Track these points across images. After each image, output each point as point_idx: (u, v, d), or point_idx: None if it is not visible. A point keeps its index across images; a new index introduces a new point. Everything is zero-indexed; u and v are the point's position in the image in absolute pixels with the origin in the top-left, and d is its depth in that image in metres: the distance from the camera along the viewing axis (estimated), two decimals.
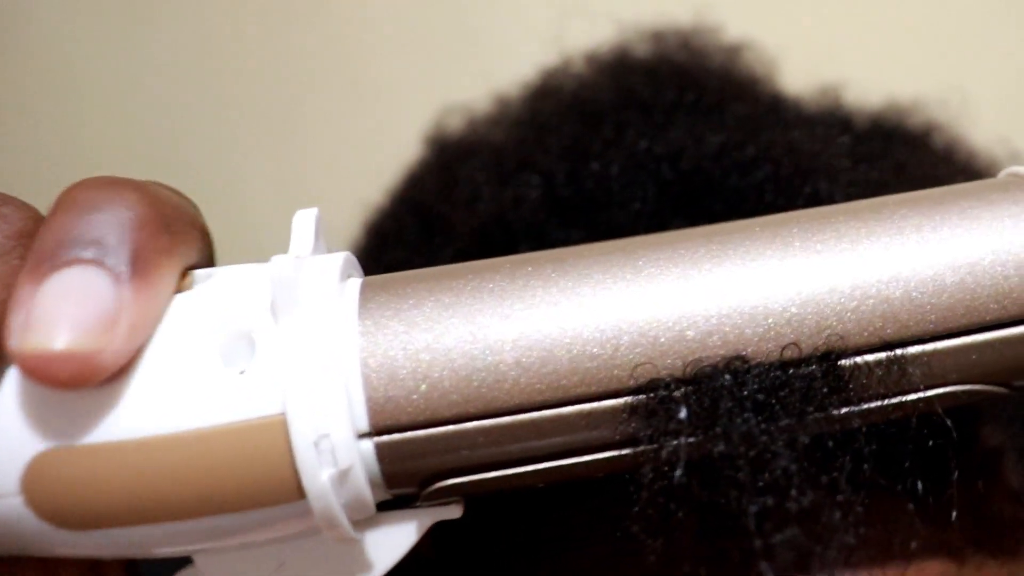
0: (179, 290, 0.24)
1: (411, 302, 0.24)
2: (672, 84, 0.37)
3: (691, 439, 0.23)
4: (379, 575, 0.25)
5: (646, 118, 0.35)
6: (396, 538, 0.25)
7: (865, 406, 0.24)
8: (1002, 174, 0.28)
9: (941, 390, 0.25)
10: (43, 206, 0.25)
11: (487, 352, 0.23)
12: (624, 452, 0.24)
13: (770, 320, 0.24)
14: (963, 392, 0.25)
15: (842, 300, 0.24)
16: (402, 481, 0.24)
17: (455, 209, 0.35)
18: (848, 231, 0.25)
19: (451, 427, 0.23)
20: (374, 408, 0.23)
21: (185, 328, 0.23)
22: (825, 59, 0.41)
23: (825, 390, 0.23)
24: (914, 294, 0.24)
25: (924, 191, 0.26)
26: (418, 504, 0.25)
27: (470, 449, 0.24)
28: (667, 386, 0.23)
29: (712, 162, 0.33)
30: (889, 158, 0.36)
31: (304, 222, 0.25)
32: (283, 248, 0.40)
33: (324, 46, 0.73)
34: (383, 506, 0.25)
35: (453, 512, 0.25)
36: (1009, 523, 0.32)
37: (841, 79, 0.41)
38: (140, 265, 0.23)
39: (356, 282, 0.25)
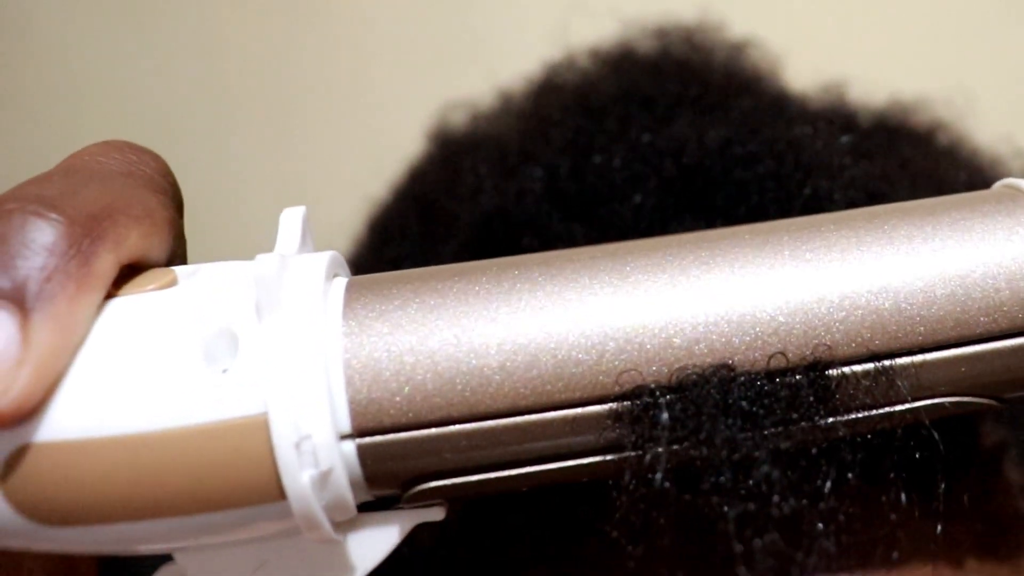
0: (162, 287, 0.24)
1: (396, 303, 0.24)
2: (675, 79, 0.37)
3: (674, 445, 0.23)
4: None
5: (649, 112, 0.35)
6: (378, 539, 0.25)
7: (852, 416, 0.24)
8: (997, 185, 0.28)
9: (929, 401, 0.25)
10: None
11: (471, 356, 0.23)
12: (608, 458, 0.24)
13: (758, 329, 0.24)
14: (952, 403, 0.25)
15: (831, 310, 0.24)
16: (384, 483, 0.24)
17: (458, 202, 0.35)
18: (839, 240, 0.25)
19: (434, 430, 0.23)
20: (356, 410, 0.23)
21: (168, 325, 0.23)
22: (830, 57, 0.42)
23: (811, 399, 0.24)
24: (903, 306, 0.24)
25: (917, 201, 0.26)
26: (400, 505, 0.25)
27: (453, 452, 0.24)
28: (652, 393, 0.23)
29: (714, 157, 0.33)
30: (893, 155, 0.36)
31: (291, 220, 0.25)
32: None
33: (328, 42, 0.73)
34: (365, 507, 0.25)
35: (436, 514, 0.25)
36: (1011, 519, 0.32)
37: (846, 77, 0.42)
38: (45, 298, 0.22)
39: (342, 282, 0.25)
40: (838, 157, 0.34)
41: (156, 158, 0.26)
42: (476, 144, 0.39)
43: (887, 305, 0.24)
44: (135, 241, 0.24)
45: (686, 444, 0.23)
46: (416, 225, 0.38)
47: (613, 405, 0.23)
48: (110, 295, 0.24)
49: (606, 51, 0.40)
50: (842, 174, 0.33)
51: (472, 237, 0.34)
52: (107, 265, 0.23)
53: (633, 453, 0.23)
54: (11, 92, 0.81)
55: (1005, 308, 0.24)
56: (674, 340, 0.24)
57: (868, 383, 0.24)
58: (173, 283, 0.24)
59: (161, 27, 0.77)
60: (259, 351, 0.23)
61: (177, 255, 0.26)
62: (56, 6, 0.78)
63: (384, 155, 0.43)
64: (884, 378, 0.24)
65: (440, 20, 0.71)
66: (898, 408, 0.24)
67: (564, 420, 0.24)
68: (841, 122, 0.38)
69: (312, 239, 0.26)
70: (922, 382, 0.24)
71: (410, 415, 0.23)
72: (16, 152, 0.80)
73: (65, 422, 0.23)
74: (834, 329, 0.24)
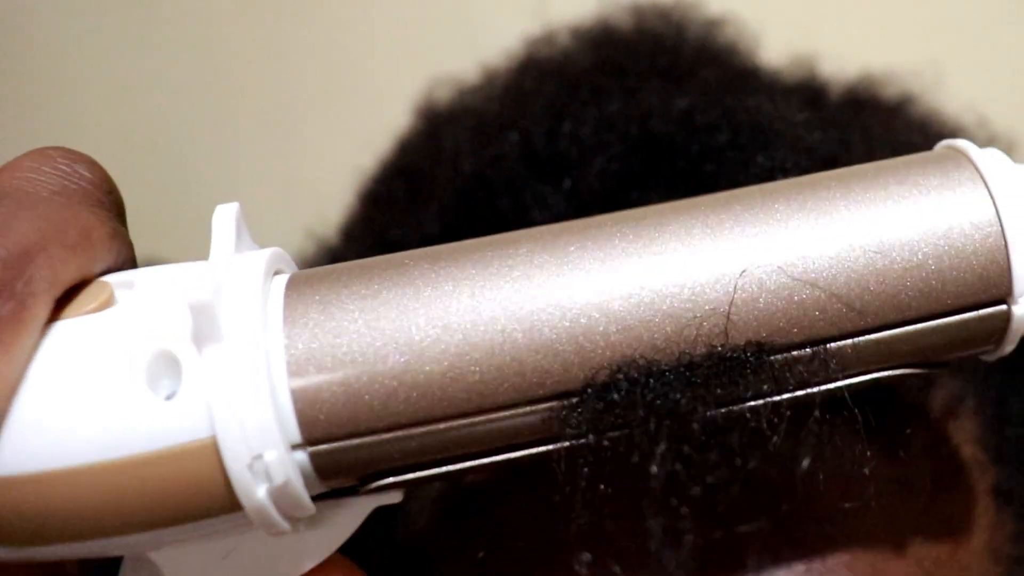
0: (99, 308, 0.24)
1: (336, 308, 0.25)
2: (647, 50, 0.40)
3: (607, 434, 0.25)
4: (323, 558, 0.27)
5: (620, 82, 0.38)
6: (339, 524, 0.26)
7: (785, 396, 0.25)
8: (939, 146, 0.28)
9: (865, 377, 0.26)
10: None
11: (417, 362, 0.24)
12: (557, 446, 0.25)
13: (698, 319, 0.25)
14: (887, 377, 0.26)
15: (769, 299, 0.25)
16: (339, 480, 0.25)
17: (440, 168, 0.38)
18: (777, 226, 0.25)
19: (383, 435, 0.24)
20: (305, 422, 0.24)
21: (108, 353, 0.24)
22: (807, 34, 0.45)
23: (746, 384, 0.25)
24: (839, 291, 0.25)
25: (853, 172, 0.27)
26: (359, 494, 0.26)
27: (403, 453, 0.25)
28: (591, 390, 0.24)
29: (676, 125, 0.35)
30: (855, 124, 0.38)
31: (224, 220, 0.25)
32: (280, 221, 0.43)
33: (323, 29, 0.76)
34: (326, 493, 0.26)
35: (394, 497, 0.26)
36: (964, 464, 0.35)
37: (821, 52, 0.44)
38: None
39: (281, 282, 0.25)
40: (794, 126, 0.35)
41: (91, 166, 0.26)
42: (458, 115, 0.42)
43: (822, 295, 0.25)
44: (71, 271, 0.24)
45: (620, 432, 0.25)
46: (402, 192, 0.40)
47: (554, 403, 0.25)
48: (49, 319, 0.24)
49: (585, 28, 0.43)
50: (799, 143, 0.35)
51: (452, 200, 0.37)
52: (43, 306, 0.23)
53: (574, 443, 0.25)
54: (11, 92, 0.83)
55: (939, 287, 0.25)
56: (611, 334, 0.24)
57: (803, 367, 0.25)
58: (110, 301, 0.25)
59: (159, 22, 0.79)
60: (202, 375, 0.23)
61: (123, 263, 0.26)
62: (56, 6, 0.81)
63: (376, 133, 0.46)
64: (819, 362, 0.25)
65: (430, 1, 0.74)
66: (832, 386, 0.25)
67: (511, 418, 0.25)
68: (809, 94, 0.41)
69: (248, 233, 0.26)
70: (860, 359, 0.25)
71: (359, 423, 0.24)
72: (16, 152, 0.83)
73: (16, 457, 0.23)
74: (776, 317, 0.25)
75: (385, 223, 0.40)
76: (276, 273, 0.26)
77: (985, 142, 0.42)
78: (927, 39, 0.65)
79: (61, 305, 0.24)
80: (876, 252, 0.25)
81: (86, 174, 0.26)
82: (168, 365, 0.24)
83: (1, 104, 0.82)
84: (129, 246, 0.27)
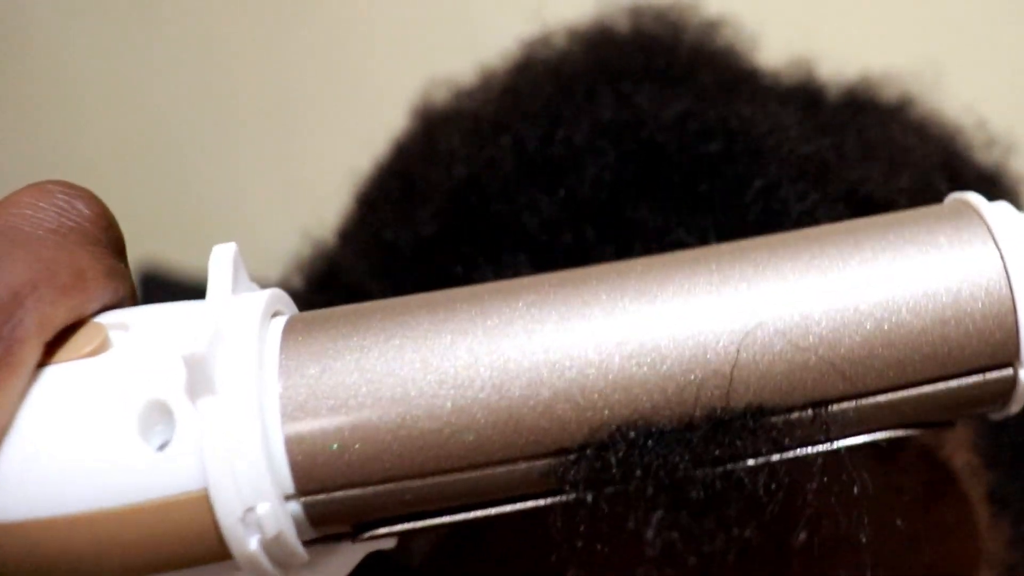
0: (93, 352, 0.24)
1: (332, 362, 0.25)
2: (642, 53, 0.40)
3: (610, 490, 0.24)
4: None
5: (615, 87, 0.37)
6: (331, 568, 0.26)
7: (785, 455, 0.25)
8: (949, 200, 0.28)
9: (867, 437, 0.26)
10: None
11: (413, 418, 0.24)
12: (554, 500, 0.25)
13: (696, 378, 0.24)
14: (890, 438, 0.26)
15: (771, 360, 0.24)
16: (333, 528, 0.25)
17: (435, 171, 0.38)
18: (782, 278, 0.25)
19: (377, 487, 0.24)
20: (299, 473, 0.24)
21: (102, 400, 0.24)
22: (806, 35, 0.45)
23: (749, 442, 0.24)
24: (843, 355, 0.25)
25: (863, 230, 0.26)
26: (353, 541, 0.26)
27: (398, 504, 0.25)
28: (594, 449, 0.24)
29: (670, 132, 0.35)
30: (851, 128, 0.38)
31: (221, 261, 0.25)
32: (278, 222, 0.43)
33: (324, 33, 0.76)
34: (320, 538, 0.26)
35: (388, 543, 0.27)
36: (960, 469, 0.35)
37: (820, 53, 0.44)
38: None
39: (278, 328, 0.25)
40: (791, 132, 0.35)
41: (89, 202, 0.26)
42: (454, 117, 0.42)
43: (825, 358, 0.24)
44: (63, 313, 0.24)
45: (617, 491, 0.24)
46: (397, 194, 0.40)
47: (551, 460, 0.25)
48: (41, 362, 0.24)
49: (582, 30, 0.43)
50: (794, 150, 0.35)
51: (446, 203, 0.37)
52: (31, 350, 0.23)
53: (570, 500, 0.25)
54: (11, 92, 0.83)
55: (950, 349, 0.25)
56: (610, 394, 0.24)
57: (803, 430, 0.25)
58: (104, 345, 0.24)
59: (158, 22, 0.80)
60: (195, 427, 0.23)
61: (121, 299, 0.26)
62: (56, 6, 0.81)
63: (375, 134, 0.46)
64: (819, 424, 0.25)
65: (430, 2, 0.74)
66: (830, 446, 0.25)
67: (507, 473, 0.25)
68: (806, 97, 0.41)
69: (246, 273, 0.26)
70: (861, 421, 0.25)
71: (353, 475, 0.24)
72: (16, 152, 0.83)
73: (3, 505, 0.23)
74: (777, 380, 0.24)
75: (380, 225, 0.40)
76: (275, 315, 0.26)
77: (985, 143, 0.42)
78: (927, 39, 0.65)
79: (53, 347, 0.24)
80: (882, 315, 0.25)
81: (84, 210, 0.26)
82: (161, 414, 0.24)
83: (1, 104, 0.83)
84: (128, 282, 0.26)
